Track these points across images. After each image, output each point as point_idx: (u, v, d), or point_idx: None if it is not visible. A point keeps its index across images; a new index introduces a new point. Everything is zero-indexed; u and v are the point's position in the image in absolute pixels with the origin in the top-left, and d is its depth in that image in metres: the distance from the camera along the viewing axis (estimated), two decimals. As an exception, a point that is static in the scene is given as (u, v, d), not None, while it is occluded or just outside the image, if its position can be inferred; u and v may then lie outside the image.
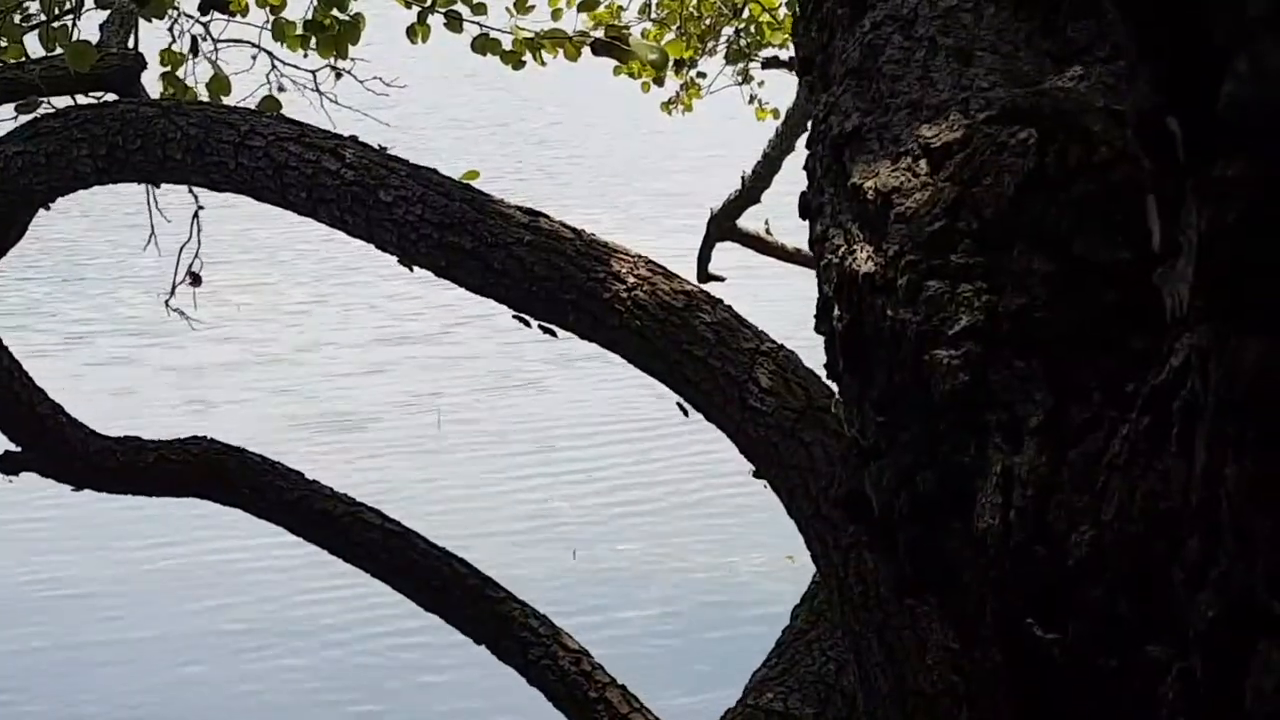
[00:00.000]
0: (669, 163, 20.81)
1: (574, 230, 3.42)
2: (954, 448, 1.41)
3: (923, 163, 1.54)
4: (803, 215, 1.78)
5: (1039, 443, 1.33)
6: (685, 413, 3.33)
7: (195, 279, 5.84)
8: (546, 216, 3.46)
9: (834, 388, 3.08)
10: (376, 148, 3.68)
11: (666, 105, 11.25)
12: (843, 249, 1.59)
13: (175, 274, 5.78)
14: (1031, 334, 1.37)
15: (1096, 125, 1.36)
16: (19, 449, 3.94)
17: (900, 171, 1.56)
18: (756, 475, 3.17)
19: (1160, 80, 0.88)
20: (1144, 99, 0.90)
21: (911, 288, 1.46)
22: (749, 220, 9.94)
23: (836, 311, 1.58)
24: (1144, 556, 1.18)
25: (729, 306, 3.32)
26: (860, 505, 1.57)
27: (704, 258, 9.93)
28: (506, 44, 4.63)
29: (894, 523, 1.50)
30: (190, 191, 5.41)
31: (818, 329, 1.66)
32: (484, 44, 4.59)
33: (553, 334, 3.47)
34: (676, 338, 3.20)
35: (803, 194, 1.80)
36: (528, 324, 3.51)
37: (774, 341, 3.23)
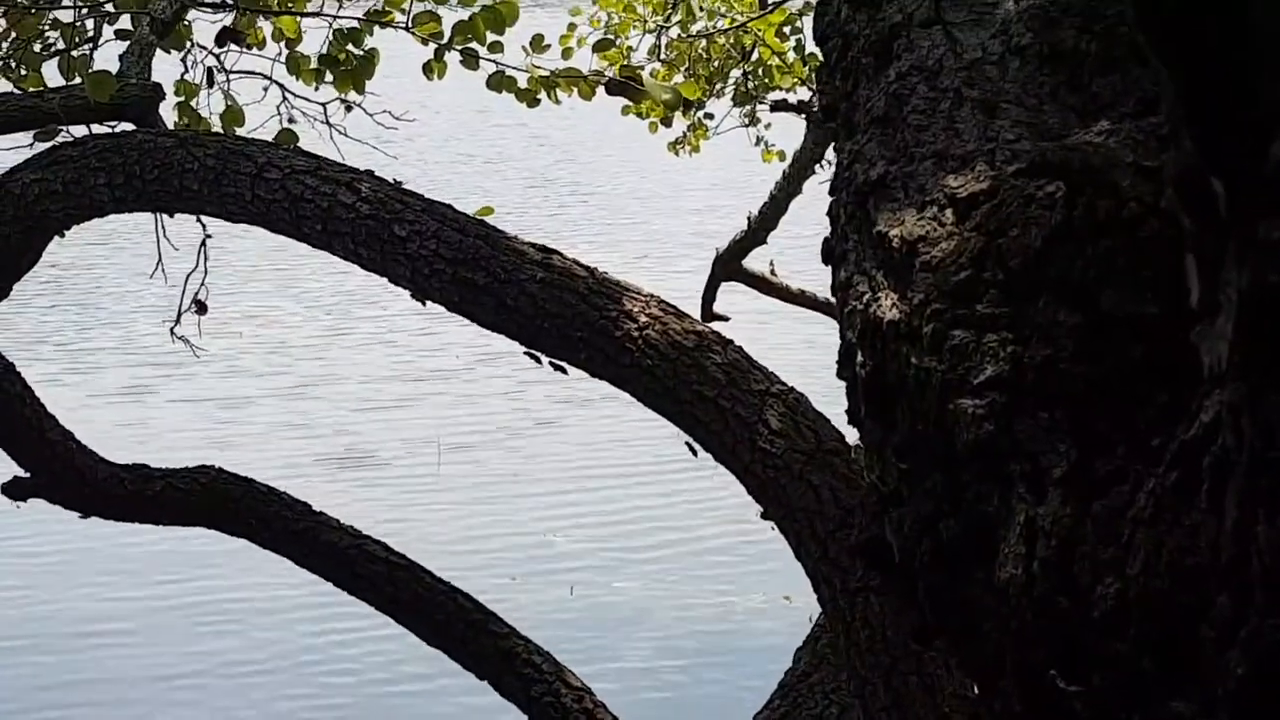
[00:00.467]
0: (676, 202, 20.86)
1: (587, 268, 3.44)
2: (977, 497, 1.42)
3: (949, 212, 1.55)
4: (825, 261, 1.79)
5: (1063, 494, 1.33)
6: (694, 452, 3.34)
7: (201, 307, 5.85)
8: (559, 254, 3.48)
9: (844, 431, 3.09)
10: (392, 182, 3.70)
11: (674, 145, 11.29)
12: (867, 296, 1.60)
13: (181, 302, 5.80)
14: (1056, 385, 1.38)
15: (1125, 180, 1.37)
16: (27, 475, 3.94)
17: (926, 220, 1.57)
18: (764, 516, 3.17)
19: (1205, 141, 0.89)
20: (1187, 158, 0.92)
21: (936, 336, 1.47)
22: (754, 261, 9.96)
23: (859, 358, 1.59)
24: (1170, 612, 1.19)
25: (740, 348, 3.34)
26: (880, 552, 1.57)
27: (709, 297, 9.95)
28: (522, 82, 4.66)
29: (914, 570, 1.50)
30: (198, 220, 5.43)
31: (839, 374, 1.67)
32: (499, 81, 4.61)
33: (563, 371, 3.48)
34: (687, 377, 3.21)
35: (826, 240, 1.81)
36: (539, 360, 3.52)
37: (784, 384, 3.24)
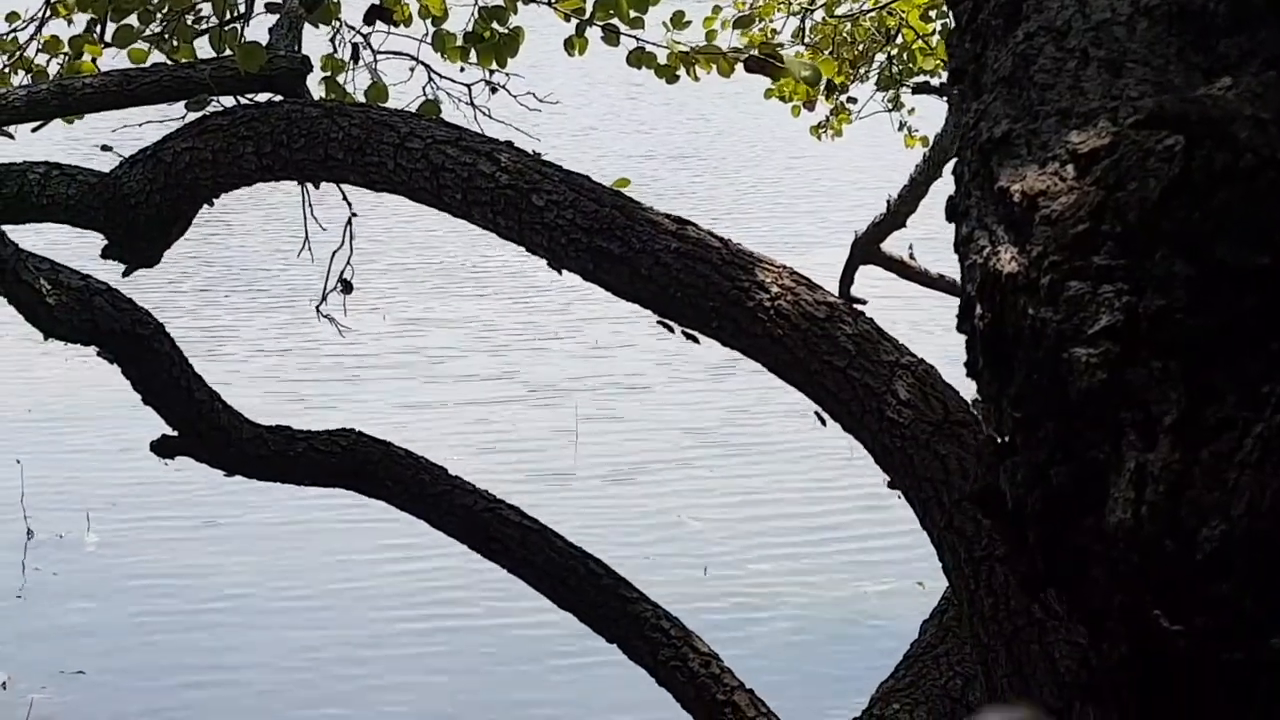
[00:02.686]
0: (817, 185, 20.83)
1: (721, 239, 3.47)
2: (1088, 444, 1.44)
3: (1070, 167, 1.57)
4: (949, 218, 1.81)
5: (1173, 440, 1.36)
6: (823, 422, 3.37)
7: (347, 286, 5.97)
8: (694, 225, 3.52)
9: (972, 400, 3.10)
10: (531, 153, 3.77)
11: (816, 129, 11.27)
12: (987, 250, 1.63)
13: (326, 281, 5.92)
14: (1170, 335, 1.40)
15: (1244, 133, 1.39)
16: (175, 433, 4.06)
17: (1047, 176, 1.59)
18: (891, 486, 3.19)
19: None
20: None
21: (1053, 288, 1.50)
22: (893, 244, 9.95)
23: (978, 310, 1.62)
24: (1271, 552, 1.21)
25: (870, 319, 3.36)
26: (994, 501, 1.60)
27: (847, 279, 9.95)
28: (661, 58, 4.71)
29: (1027, 518, 1.53)
30: (344, 198, 5.54)
31: (959, 328, 1.69)
32: (639, 58, 4.67)
33: (695, 340, 3.52)
34: (817, 348, 3.24)
35: (950, 198, 1.83)
36: (671, 329, 3.57)
37: (914, 355, 3.25)
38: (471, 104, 5.99)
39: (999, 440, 1.61)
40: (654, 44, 4.67)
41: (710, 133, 24.93)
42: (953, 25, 2.08)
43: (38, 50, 5.52)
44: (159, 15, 4.63)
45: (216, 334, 14.03)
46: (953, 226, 1.85)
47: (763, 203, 20.34)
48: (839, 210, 18.27)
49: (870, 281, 10.44)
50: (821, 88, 9.64)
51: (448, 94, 6.03)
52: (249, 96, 4.48)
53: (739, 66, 4.71)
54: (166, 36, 4.72)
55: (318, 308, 6.02)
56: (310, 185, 5.15)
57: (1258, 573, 1.20)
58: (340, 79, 5.80)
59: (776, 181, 21.54)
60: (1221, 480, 1.29)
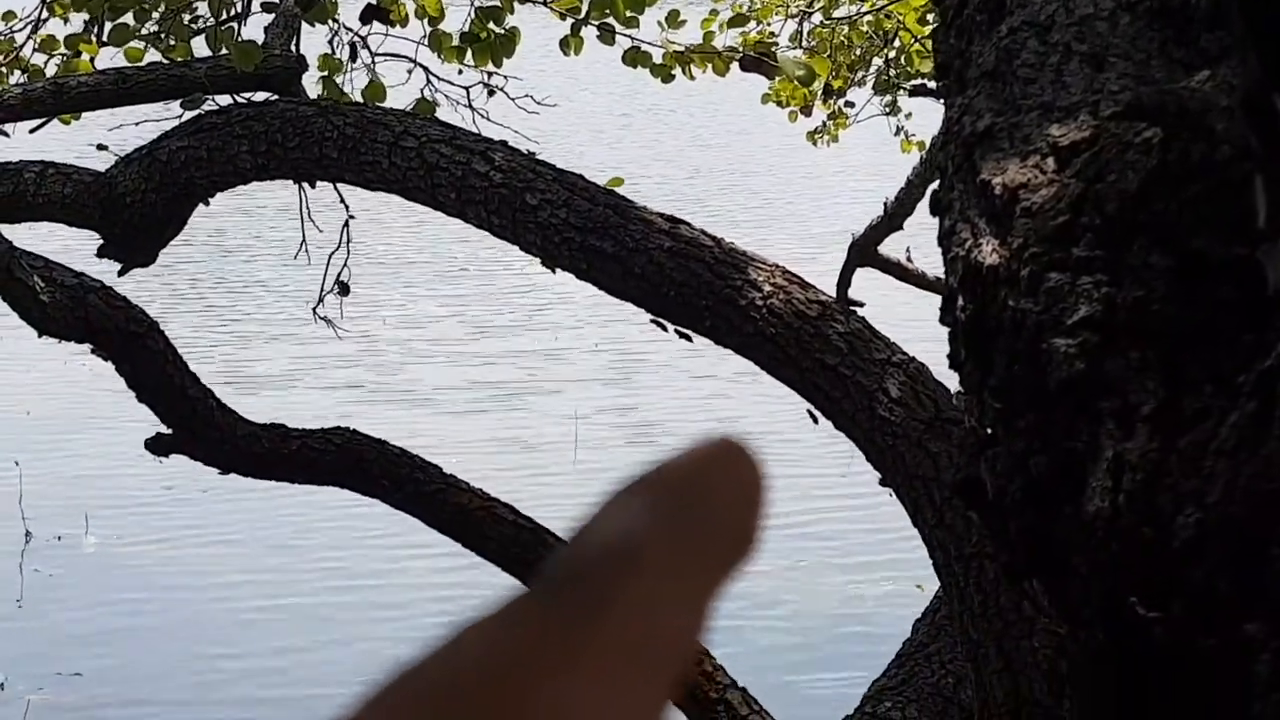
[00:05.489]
0: (814, 189, 20.86)
1: (713, 238, 3.48)
2: (1067, 434, 1.45)
3: (1050, 160, 1.58)
4: (933, 212, 1.82)
5: (1150, 430, 1.36)
6: (815, 420, 3.38)
7: (344, 288, 5.98)
8: (687, 224, 3.53)
9: (955, 393, 3.11)
10: (525, 153, 3.78)
11: (813, 135, 11.25)
12: (969, 242, 1.64)
13: (323, 283, 5.93)
14: (1148, 326, 1.41)
15: (1220, 124, 1.40)
16: (170, 431, 4.07)
17: (1028, 169, 1.60)
18: (882, 483, 3.20)
19: (1268, 59, 0.92)
20: (1252, 78, 0.95)
21: (1033, 279, 1.51)
22: (890, 247, 9.94)
23: (960, 302, 1.63)
24: (1245, 538, 1.22)
25: (862, 318, 3.37)
26: (976, 491, 1.61)
27: (844, 282, 9.94)
28: (657, 57, 4.72)
29: (1007, 507, 1.54)
30: (341, 201, 5.55)
31: (942, 320, 1.70)
32: (634, 57, 4.68)
33: (688, 338, 3.53)
34: (809, 346, 3.25)
35: (934, 192, 1.84)
36: (665, 328, 3.58)
37: (905, 353, 3.26)
38: (469, 105, 5.99)
39: (980, 431, 1.62)
40: (649, 43, 4.68)
41: (707, 136, 24.98)
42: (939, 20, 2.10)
43: (34, 49, 5.54)
44: (155, 14, 4.64)
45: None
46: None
47: (762, 205, 20.35)
48: (839, 214, 18.28)
49: (868, 283, 10.45)
50: (819, 91, 9.66)
51: (446, 96, 6.04)
52: (245, 95, 4.49)
53: (734, 66, 4.72)
54: (163, 35, 4.73)
55: (314, 310, 6.03)
56: (307, 186, 5.16)
57: (1232, 559, 1.21)
58: (337, 79, 5.81)
59: (776, 185, 21.57)
60: (1198, 468, 1.29)
